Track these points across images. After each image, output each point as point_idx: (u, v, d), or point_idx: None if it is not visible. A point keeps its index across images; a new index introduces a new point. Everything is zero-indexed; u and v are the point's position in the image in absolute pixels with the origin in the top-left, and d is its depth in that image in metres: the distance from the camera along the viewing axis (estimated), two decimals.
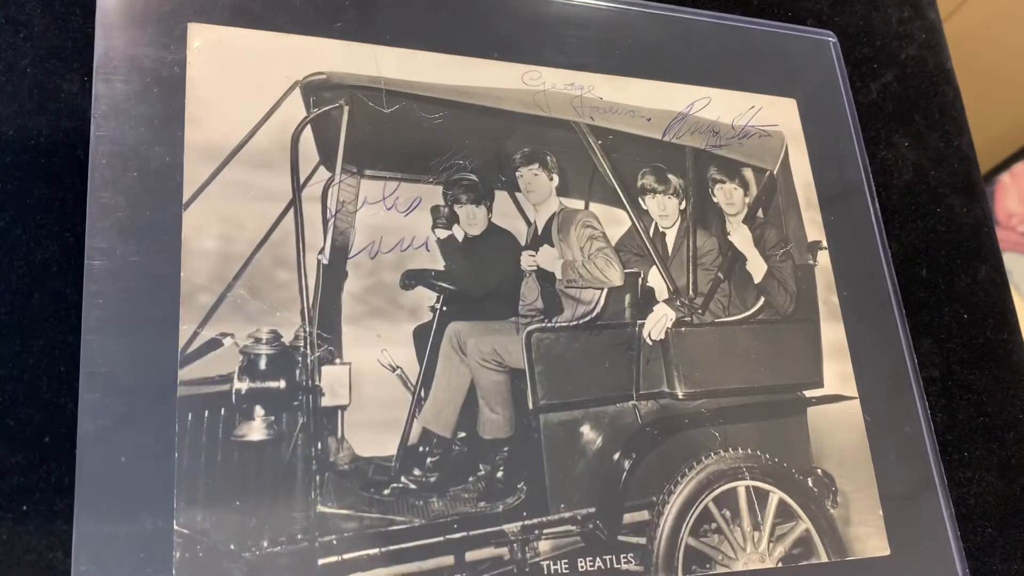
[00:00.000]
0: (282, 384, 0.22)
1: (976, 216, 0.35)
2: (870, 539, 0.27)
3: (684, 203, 0.29)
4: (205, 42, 0.24)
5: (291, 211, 0.24)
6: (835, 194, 0.31)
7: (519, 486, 0.24)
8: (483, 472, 0.24)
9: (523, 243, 0.26)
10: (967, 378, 0.32)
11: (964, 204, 0.35)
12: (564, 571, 0.23)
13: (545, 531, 0.24)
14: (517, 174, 0.27)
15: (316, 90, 0.25)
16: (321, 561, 0.21)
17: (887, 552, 0.27)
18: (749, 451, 0.27)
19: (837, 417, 0.29)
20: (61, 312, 0.22)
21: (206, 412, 0.22)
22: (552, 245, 0.27)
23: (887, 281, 0.31)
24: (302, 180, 0.24)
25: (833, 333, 0.30)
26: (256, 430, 0.22)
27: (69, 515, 0.20)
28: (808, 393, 0.28)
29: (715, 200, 0.29)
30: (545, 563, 0.23)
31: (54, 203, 0.22)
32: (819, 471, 0.28)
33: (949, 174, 0.35)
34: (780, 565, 0.26)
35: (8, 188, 0.22)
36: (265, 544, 0.21)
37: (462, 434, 0.24)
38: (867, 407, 0.29)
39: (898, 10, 0.37)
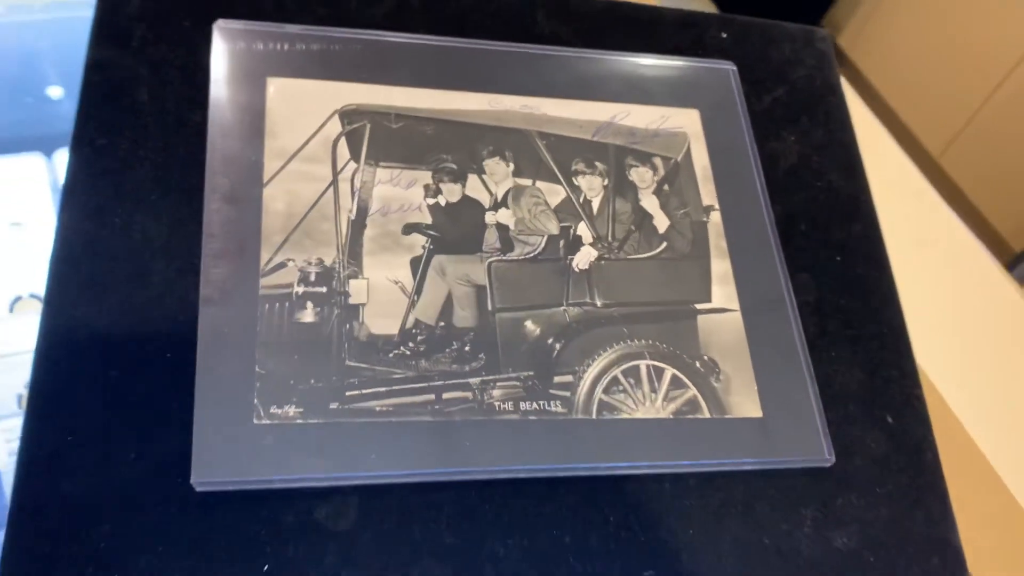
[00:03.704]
0: (324, 289, 0.35)
1: (854, 189, 0.45)
2: (745, 405, 0.38)
3: (606, 180, 0.41)
4: (277, 88, 0.39)
5: (331, 188, 0.38)
6: (727, 174, 0.43)
7: (480, 355, 0.36)
8: (455, 346, 0.36)
9: (487, 207, 0.39)
10: (838, 302, 0.42)
11: (843, 180, 0.45)
12: (510, 409, 0.35)
13: (497, 384, 0.35)
14: (484, 163, 0.40)
15: (348, 115, 0.39)
16: (347, 393, 0.34)
17: (760, 415, 0.38)
18: (649, 341, 0.38)
19: (722, 323, 0.40)
20: (187, 246, 0.35)
21: (276, 304, 0.35)
22: (507, 208, 0.39)
23: (768, 231, 0.42)
24: (339, 168, 0.38)
25: (721, 267, 0.41)
26: (308, 315, 0.35)
27: (192, 365, 0.33)
28: (698, 306, 0.40)
29: (631, 179, 0.42)
30: (497, 404, 0.35)
31: (183, 183, 0.36)
32: (706, 357, 0.38)
33: (831, 158, 0.46)
34: (672, 416, 0.37)
35: (147, 177, 0.36)
36: (312, 381, 0.34)
37: (442, 323, 0.36)
38: (747, 318, 0.40)
39: (791, 44, 0.49)
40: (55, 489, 0.31)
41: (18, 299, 0.57)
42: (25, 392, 0.54)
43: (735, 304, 0.40)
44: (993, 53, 1.90)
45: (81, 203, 0.35)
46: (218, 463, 0.32)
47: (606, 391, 0.37)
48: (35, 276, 0.57)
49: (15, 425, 0.51)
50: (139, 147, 0.37)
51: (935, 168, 2.07)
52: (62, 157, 0.60)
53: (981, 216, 1.97)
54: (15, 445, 0.51)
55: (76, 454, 0.31)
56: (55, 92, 0.62)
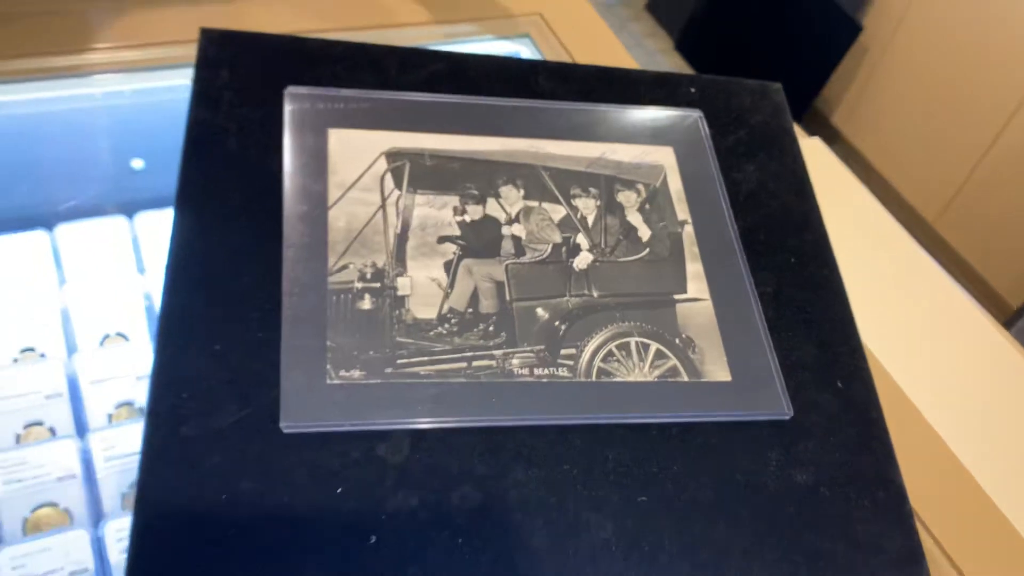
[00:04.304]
0: (377, 285, 0.45)
1: (805, 207, 0.55)
2: (717, 371, 0.47)
3: (599, 201, 0.51)
4: (336, 137, 0.49)
5: (380, 210, 0.48)
6: (698, 196, 0.53)
7: (501, 334, 0.45)
8: (481, 327, 0.45)
9: (503, 223, 0.49)
10: (794, 294, 0.51)
11: (796, 200, 0.55)
12: (527, 374, 0.44)
13: (516, 355, 0.45)
14: (500, 190, 0.50)
15: (392, 155, 0.50)
16: (398, 361, 0.43)
17: (729, 379, 0.47)
18: (637, 324, 0.47)
19: (696, 310, 0.49)
20: (271, 254, 0.45)
21: (341, 296, 0.45)
22: (520, 223, 0.49)
23: (733, 240, 0.52)
24: (386, 195, 0.48)
25: (693, 268, 0.50)
26: (365, 304, 0.45)
27: (278, 341, 0.43)
28: (676, 296, 0.49)
29: (619, 200, 0.52)
30: (516, 370, 0.44)
31: (267, 208, 0.46)
32: (684, 335, 0.48)
33: (785, 184, 0.56)
34: (656, 379, 0.46)
35: (238, 197, 0.47)
36: (371, 352, 0.43)
37: (470, 310, 0.46)
38: (716, 306, 0.49)
39: (749, 95, 0.59)
40: (175, 433, 0.40)
41: (107, 336, 0.67)
42: (115, 411, 0.63)
43: (706, 295, 0.49)
44: (981, 120, 2.02)
45: (189, 220, 0.45)
46: (300, 412, 0.41)
47: (603, 360, 0.46)
48: (119, 318, 0.67)
49: (112, 435, 0.60)
50: (231, 182, 0.47)
51: (932, 233, 2.16)
52: (142, 218, 0.71)
53: (978, 276, 2.06)
54: (111, 452, 0.60)
55: (191, 407, 0.40)
56: (137, 164, 0.73)
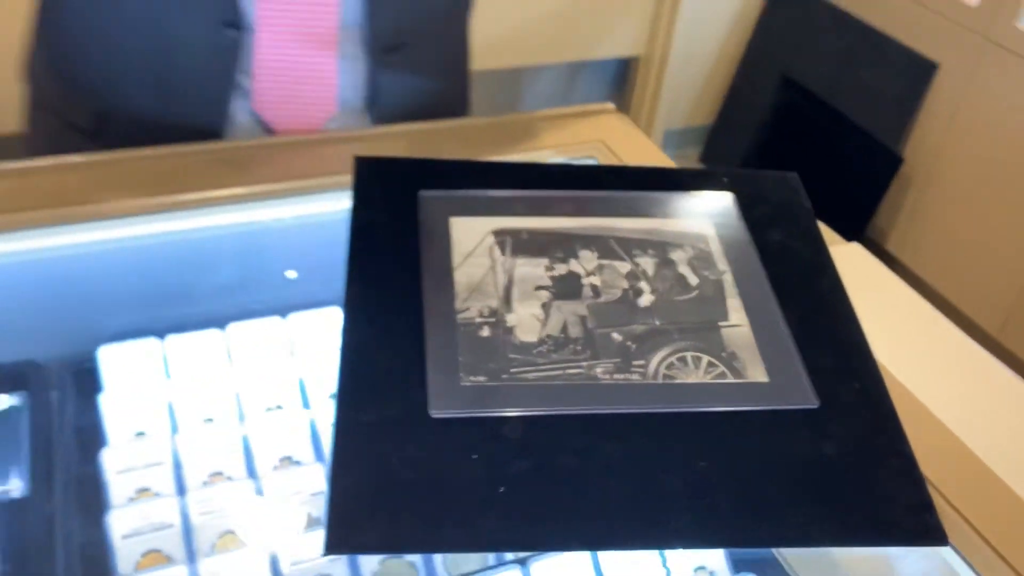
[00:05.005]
0: (493, 320, 0.61)
1: (820, 262, 0.70)
2: (757, 375, 0.60)
3: (656, 259, 0.67)
4: (457, 223, 0.67)
5: (491, 270, 0.64)
6: (734, 254, 0.68)
7: (586, 352, 0.60)
8: (571, 347, 0.60)
9: (582, 275, 0.65)
10: (815, 319, 0.65)
11: (812, 255, 0.70)
12: (607, 379, 0.59)
13: (598, 365, 0.59)
14: (579, 253, 0.67)
15: (498, 233, 0.67)
16: (511, 370, 0.58)
17: (767, 380, 0.60)
18: (691, 343, 0.62)
19: (737, 332, 0.63)
20: (414, 301, 0.62)
21: (466, 327, 0.61)
22: (595, 276, 0.65)
23: (764, 282, 0.66)
24: (494, 260, 0.65)
25: (733, 302, 0.65)
26: (484, 332, 0.60)
27: (423, 358, 0.58)
28: (720, 323, 0.63)
29: (671, 258, 0.67)
30: (599, 375, 0.59)
31: (408, 270, 0.63)
32: (728, 350, 0.62)
33: (803, 244, 0.71)
34: (709, 380, 0.60)
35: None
36: (490, 364, 0.59)
37: (562, 335, 0.61)
38: (754, 329, 0.63)
39: (772, 182, 0.76)
40: (355, 418, 0.55)
41: (279, 407, 0.83)
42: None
43: (745, 322, 0.64)
44: None
45: (358, 287, 0.62)
46: (443, 403, 0.56)
47: (666, 368, 0.60)
48: (279, 393, 0.83)
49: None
50: (386, 256, 0.65)
51: (996, 345, 2.23)
52: (295, 317, 0.89)
53: None
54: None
55: (365, 399, 0.56)
56: (291, 274, 0.92)
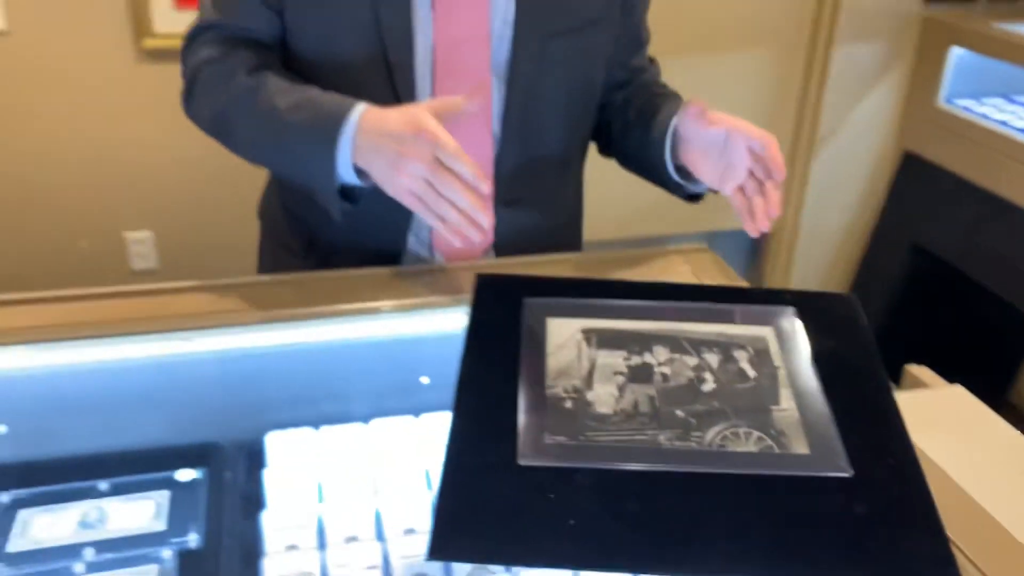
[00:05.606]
0: (576, 395, 0.75)
1: (871, 366, 0.80)
2: (800, 448, 0.70)
3: (720, 356, 0.80)
4: (551, 322, 0.83)
5: (577, 359, 0.79)
6: (789, 355, 0.80)
7: (653, 423, 0.73)
8: (640, 420, 0.73)
9: (654, 365, 0.79)
10: (858, 410, 0.75)
11: (863, 361, 0.80)
12: (669, 445, 0.71)
13: (661, 434, 0.72)
14: (653, 348, 0.80)
15: (585, 331, 0.82)
16: (587, 433, 0.72)
17: (808, 452, 0.70)
18: (744, 421, 0.73)
19: (786, 415, 0.73)
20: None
21: (554, 400, 0.75)
22: (666, 366, 0.78)
23: (814, 379, 0.77)
24: (581, 352, 0.80)
25: (785, 392, 0.76)
26: (568, 404, 0.74)
27: (516, 421, 0.73)
28: (772, 407, 0.74)
29: (734, 355, 0.80)
30: (662, 442, 0.71)
31: (509, 354, 0.79)
32: (777, 428, 0.72)
33: (855, 352, 0.81)
34: (758, 451, 0.70)
35: None
36: (570, 429, 0.72)
37: (634, 409, 0.74)
38: (801, 414, 0.74)
39: (830, 300, 0.87)
40: (459, 461, 0.69)
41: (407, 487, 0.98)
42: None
43: (794, 408, 0.74)
44: None
45: (470, 367, 0.78)
46: (530, 453, 0.69)
47: (720, 439, 0.71)
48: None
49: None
50: (492, 347, 0.80)
51: None
52: (426, 417, 1.05)
53: None
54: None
55: (469, 447, 0.70)
56: (424, 380, 1.09)
